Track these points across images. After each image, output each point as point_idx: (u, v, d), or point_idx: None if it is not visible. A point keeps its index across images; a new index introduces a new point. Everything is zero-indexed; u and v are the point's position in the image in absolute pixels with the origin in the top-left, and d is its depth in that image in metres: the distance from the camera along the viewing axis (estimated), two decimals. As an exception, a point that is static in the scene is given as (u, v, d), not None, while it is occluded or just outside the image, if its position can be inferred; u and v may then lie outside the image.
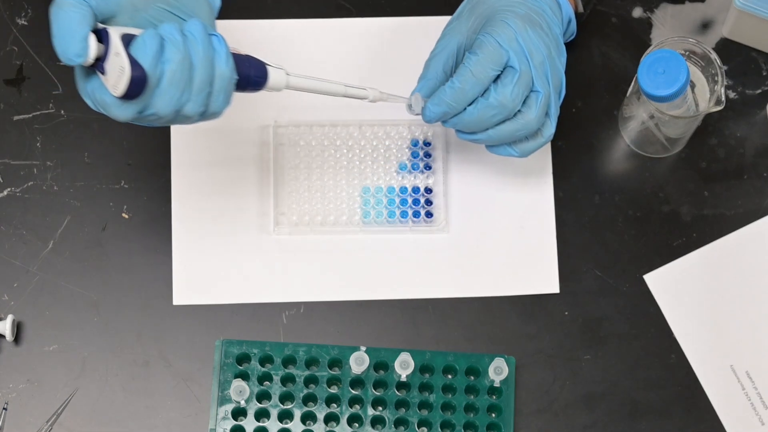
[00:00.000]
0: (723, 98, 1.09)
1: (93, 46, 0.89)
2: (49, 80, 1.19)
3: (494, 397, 1.12)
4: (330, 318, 1.15)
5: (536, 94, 1.06)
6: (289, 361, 1.12)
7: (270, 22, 1.21)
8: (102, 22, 0.91)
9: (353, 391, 1.12)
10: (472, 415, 1.12)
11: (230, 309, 1.15)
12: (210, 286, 1.15)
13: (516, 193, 1.18)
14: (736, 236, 1.17)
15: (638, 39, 1.21)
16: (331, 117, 1.18)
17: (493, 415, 1.12)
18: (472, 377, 1.13)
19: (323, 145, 1.18)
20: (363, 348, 1.12)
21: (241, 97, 0.99)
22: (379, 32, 1.21)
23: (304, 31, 1.20)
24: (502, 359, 1.12)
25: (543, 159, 1.18)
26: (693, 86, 1.12)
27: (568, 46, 1.16)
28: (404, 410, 1.12)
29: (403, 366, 1.11)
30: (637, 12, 1.22)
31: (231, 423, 1.11)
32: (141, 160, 1.18)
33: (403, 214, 1.17)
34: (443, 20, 1.12)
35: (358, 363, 1.11)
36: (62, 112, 1.18)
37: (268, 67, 0.98)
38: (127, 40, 0.89)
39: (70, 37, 0.88)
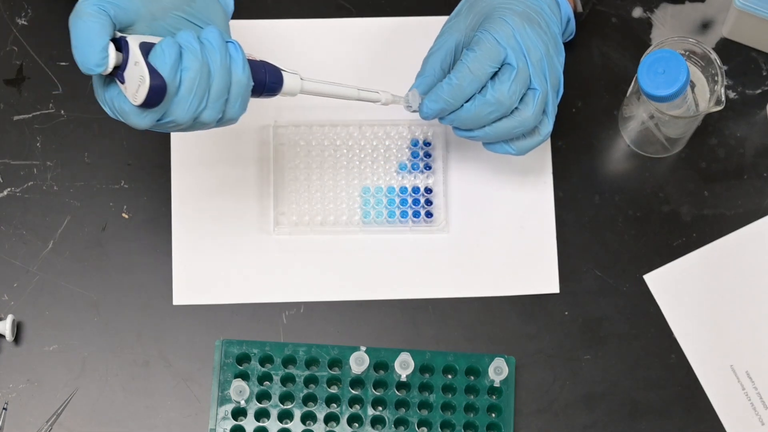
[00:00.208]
0: (723, 98, 1.09)
1: (112, 56, 0.89)
2: (49, 80, 1.19)
3: (494, 397, 1.12)
4: (330, 318, 1.15)
5: (533, 91, 1.06)
6: (289, 361, 1.12)
7: (270, 22, 1.21)
8: (120, 31, 0.91)
9: (353, 391, 1.12)
10: (472, 415, 1.12)
11: (230, 309, 1.15)
12: (210, 286, 1.15)
13: (516, 192, 1.18)
14: (736, 236, 1.17)
15: (638, 39, 1.21)
16: (331, 117, 1.18)
17: (493, 415, 1.12)
18: (472, 377, 1.13)
19: (323, 145, 1.18)
20: (363, 348, 1.12)
21: (240, 97, 0.99)
22: (379, 32, 1.21)
23: (304, 31, 1.20)
24: (502, 359, 1.12)
25: (543, 159, 1.18)
26: (693, 86, 1.12)
27: (568, 46, 1.16)
28: (404, 410, 1.12)
29: (403, 366, 1.11)
30: (637, 12, 1.22)
31: (231, 423, 1.11)
32: (141, 160, 1.18)
33: (403, 214, 1.17)
34: (443, 20, 1.12)
35: (358, 363, 1.11)
36: (62, 112, 1.18)
37: (283, 72, 0.98)
38: (146, 48, 0.90)
39: (90, 47, 0.88)
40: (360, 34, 1.21)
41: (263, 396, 1.12)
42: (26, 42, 1.19)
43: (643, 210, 1.18)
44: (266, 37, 1.20)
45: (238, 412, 1.11)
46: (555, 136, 1.18)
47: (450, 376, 1.13)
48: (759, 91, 1.20)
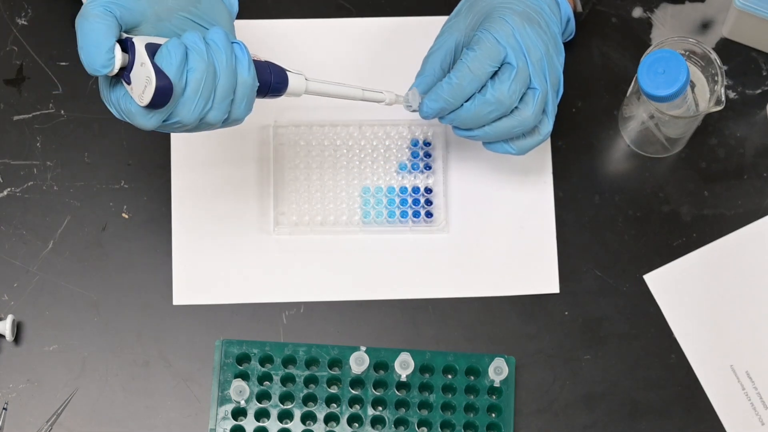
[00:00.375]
0: (723, 98, 1.09)
1: (119, 57, 0.89)
2: (49, 80, 1.19)
3: (494, 397, 1.12)
4: (330, 318, 1.15)
5: (533, 91, 1.06)
6: (289, 361, 1.12)
7: (270, 22, 1.21)
8: (126, 32, 0.91)
9: (353, 391, 1.12)
10: (472, 415, 1.12)
11: (230, 309, 1.15)
12: (210, 286, 1.15)
13: (516, 192, 1.18)
14: (736, 236, 1.17)
15: (638, 39, 1.21)
16: (331, 117, 1.18)
17: (493, 415, 1.12)
18: (472, 377, 1.13)
19: (323, 145, 1.18)
20: (363, 348, 1.12)
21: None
22: (379, 32, 1.21)
23: (304, 31, 1.20)
24: (502, 359, 1.12)
25: (543, 159, 1.18)
26: (693, 86, 1.12)
27: (568, 45, 1.16)
28: (404, 410, 1.12)
29: (403, 366, 1.11)
30: (637, 12, 1.22)
31: (231, 423, 1.11)
32: (141, 160, 1.18)
33: (403, 214, 1.17)
34: (443, 20, 1.12)
35: (358, 363, 1.11)
36: (62, 112, 1.18)
37: (288, 72, 0.98)
38: (152, 49, 0.90)
39: (96, 49, 0.89)
40: (360, 34, 1.21)
41: (263, 396, 1.12)
42: (26, 42, 1.19)
43: (643, 210, 1.18)
44: (266, 37, 1.20)
45: (238, 412, 1.11)
46: (555, 136, 1.18)
47: (450, 376, 1.13)
48: (759, 91, 1.20)
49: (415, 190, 1.17)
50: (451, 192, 1.18)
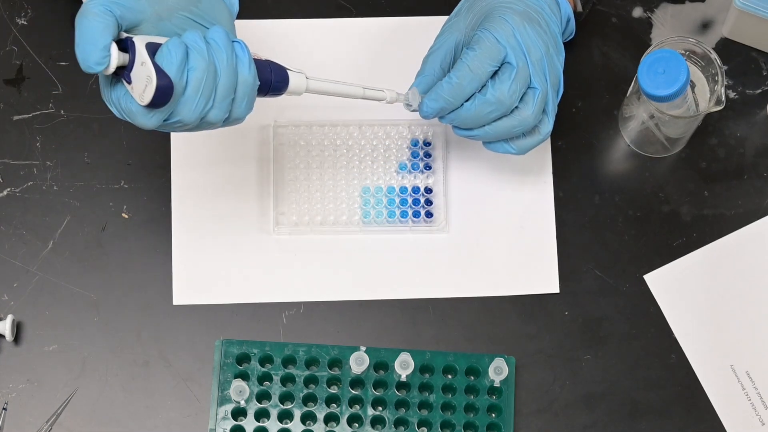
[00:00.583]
0: (723, 98, 1.09)
1: (114, 55, 0.89)
2: (49, 80, 1.19)
3: (494, 397, 1.12)
4: (330, 318, 1.15)
5: (533, 90, 1.06)
6: (289, 361, 1.12)
7: (270, 22, 1.21)
8: (126, 32, 0.91)
9: (353, 391, 1.12)
10: (472, 415, 1.12)
11: (230, 309, 1.15)
12: (210, 286, 1.15)
13: (516, 192, 1.18)
14: (736, 236, 1.17)
15: (638, 39, 1.21)
16: (331, 117, 1.18)
17: (493, 415, 1.12)
18: (472, 377, 1.13)
19: (323, 145, 1.18)
20: (363, 348, 1.12)
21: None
22: (379, 32, 1.21)
23: (304, 31, 1.20)
24: (502, 359, 1.12)
25: (543, 159, 1.18)
26: (693, 86, 1.12)
27: (568, 45, 1.16)
28: (404, 410, 1.12)
29: (403, 366, 1.11)
30: (637, 12, 1.22)
31: (231, 423, 1.11)
32: (141, 160, 1.18)
33: (403, 214, 1.17)
34: (443, 20, 1.12)
35: (358, 363, 1.11)
36: (62, 112, 1.18)
37: (288, 71, 0.98)
38: (152, 48, 0.90)
39: (91, 46, 0.88)
40: (360, 34, 1.21)
41: (263, 396, 1.11)
42: (26, 42, 1.19)
43: (643, 210, 1.18)
44: (267, 37, 1.20)
45: (238, 412, 1.11)
46: (555, 136, 1.18)
47: (450, 376, 1.13)
48: (759, 91, 1.20)
49: (415, 190, 1.17)
50: (451, 192, 1.18)
